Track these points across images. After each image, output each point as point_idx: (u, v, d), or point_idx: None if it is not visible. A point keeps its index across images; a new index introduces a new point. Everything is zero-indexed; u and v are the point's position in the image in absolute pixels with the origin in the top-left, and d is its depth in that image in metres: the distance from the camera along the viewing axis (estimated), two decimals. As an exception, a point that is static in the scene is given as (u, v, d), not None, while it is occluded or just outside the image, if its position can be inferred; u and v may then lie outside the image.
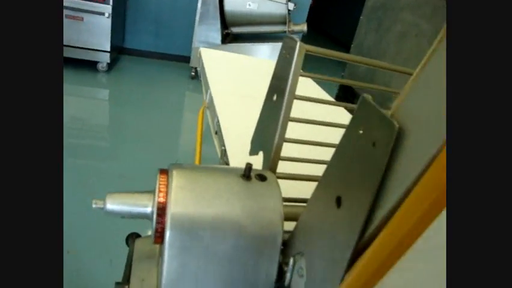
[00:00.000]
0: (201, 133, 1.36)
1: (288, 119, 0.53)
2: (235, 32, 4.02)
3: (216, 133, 1.00)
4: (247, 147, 0.65)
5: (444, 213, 0.27)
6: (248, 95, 1.23)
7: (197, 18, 3.77)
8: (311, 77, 0.53)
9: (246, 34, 4.04)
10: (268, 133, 0.56)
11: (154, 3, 4.09)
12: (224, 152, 0.87)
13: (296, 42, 0.50)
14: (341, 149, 0.41)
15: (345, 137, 0.40)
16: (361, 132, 0.36)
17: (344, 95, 2.39)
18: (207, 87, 1.24)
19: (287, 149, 0.57)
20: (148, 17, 4.13)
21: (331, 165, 0.42)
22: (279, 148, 0.55)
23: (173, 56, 4.36)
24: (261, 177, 0.49)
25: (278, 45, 3.54)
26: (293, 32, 3.95)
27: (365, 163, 0.35)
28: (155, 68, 4.19)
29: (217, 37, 3.80)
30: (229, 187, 0.47)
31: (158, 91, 3.69)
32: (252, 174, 0.49)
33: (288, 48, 0.52)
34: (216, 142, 1.00)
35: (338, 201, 0.39)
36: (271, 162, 0.55)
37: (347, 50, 2.68)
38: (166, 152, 2.62)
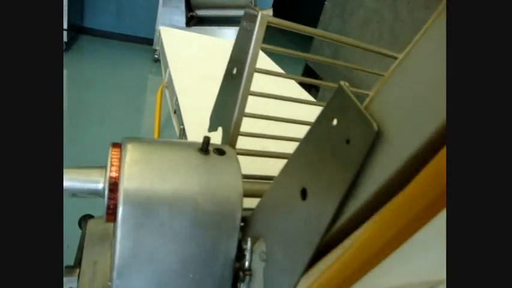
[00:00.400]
0: (159, 112, 1.33)
1: (248, 92, 0.52)
2: (200, 15, 3.93)
3: (175, 112, 0.97)
4: (207, 125, 0.63)
5: (442, 214, 0.25)
6: (208, 75, 1.21)
7: (160, -1, 3.66)
8: (272, 50, 0.52)
9: (211, 17, 3.96)
10: (228, 108, 0.55)
11: (115, -19, 3.93)
12: (183, 131, 0.84)
13: (257, 12, 0.48)
14: (310, 138, 0.38)
15: (315, 125, 0.37)
16: (334, 124, 0.33)
17: (309, 81, 2.40)
18: (166, 66, 1.21)
19: (247, 126, 0.56)
20: (108, -5, 3.97)
21: (298, 153, 0.40)
22: (238, 123, 0.54)
23: (136, 38, 4.21)
24: (220, 152, 0.47)
25: (243, 28, 3.44)
26: (259, 17, 3.91)
27: (337, 159, 0.32)
28: (117, 49, 4.04)
29: (181, 20, 3.70)
30: (186, 161, 0.45)
31: (120, 73, 3.56)
32: (210, 148, 0.47)
33: (249, 20, 0.51)
34: (174, 121, 0.97)
35: (303, 193, 0.37)
36: (230, 138, 0.54)
37: (311, 37, 2.68)
38: (127, 135, 2.55)
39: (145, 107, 3.15)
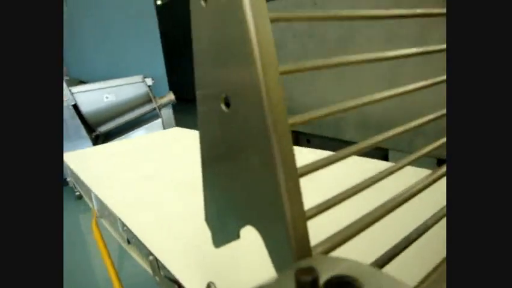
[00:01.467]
0: (107, 253, 0.97)
1: (290, 144, 0.21)
2: (104, 131, 3.62)
3: (129, 242, 0.64)
4: (190, 245, 0.31)
5: None
6: (143, 176, 0.93)
7: (55, 134, 3.30)
8: (295, 19, 0.23)
9: (116, 128, 3.67)
10: (251, 193, 0.24)
11: None
12: (156, 262, 0.51)
13: None
14: None
15: None
16: None
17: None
18: (89, 193, 0.89)
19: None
20: None
21: None
22: (300, 222, 0.22)
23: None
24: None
25: (154, 123, 3.23)
26: (162, 106, 3.74)
27: None
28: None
29: (87, 144, 3.36)
30: None
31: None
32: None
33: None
34: (135, 255, 0.63)
35: None
36: (295, 254, 0.22)
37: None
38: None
39: (89, 250, 2.67)
